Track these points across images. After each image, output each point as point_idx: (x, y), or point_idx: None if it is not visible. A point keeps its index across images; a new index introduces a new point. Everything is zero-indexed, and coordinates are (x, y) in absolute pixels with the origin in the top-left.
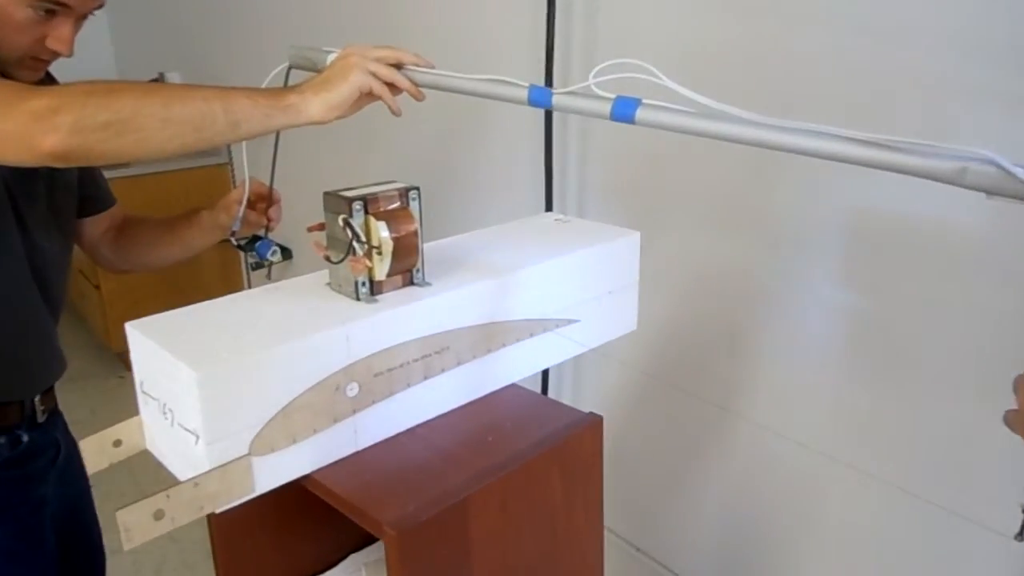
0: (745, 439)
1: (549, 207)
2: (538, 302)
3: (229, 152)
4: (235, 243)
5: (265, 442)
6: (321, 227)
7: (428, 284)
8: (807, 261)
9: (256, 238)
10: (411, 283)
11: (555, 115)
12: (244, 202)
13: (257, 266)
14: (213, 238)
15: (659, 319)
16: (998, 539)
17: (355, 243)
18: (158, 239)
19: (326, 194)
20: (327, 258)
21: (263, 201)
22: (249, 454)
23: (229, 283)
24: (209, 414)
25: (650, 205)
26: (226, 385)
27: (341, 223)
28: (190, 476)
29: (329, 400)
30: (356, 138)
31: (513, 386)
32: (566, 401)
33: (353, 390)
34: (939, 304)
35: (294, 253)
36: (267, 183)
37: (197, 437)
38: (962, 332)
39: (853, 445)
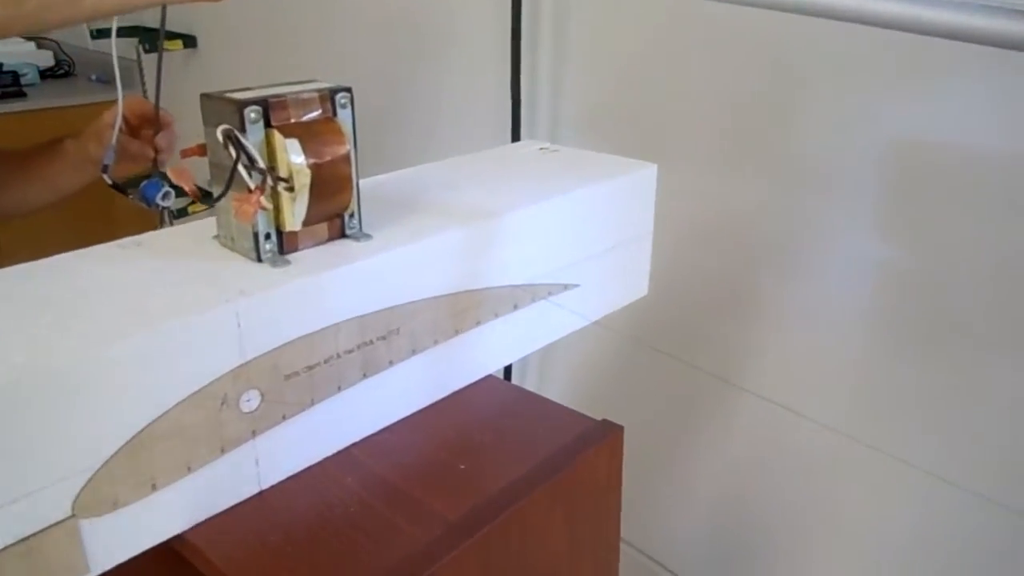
0: (750, 416)
1: (516, 139)
2: (525, 261)
3: (142, 78)
4: (110, 182)
5: (102, 495)
6: (201, 151)
7: (367, 236)
8: (834, 205)
9: (144, 176)
10: (342, 235)
11: (524, 29)
12: (117, 126)
13: (181, 214)
14: (83, 176)
15: (650, 275)
16: None
17: (243, 169)
18: (11, 178)
19: (204, 97)
20: (198, 197)
21: (148, 125)
22: (74, 515)
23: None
24: None
25: (639, 139)
26: (23, 408)
27: (220, 138)
28: None
29: (211, 420)
30: (286, 47)
31: (490, 379)
32: (533, 374)
33: (252, 402)
34: (999, 258)
35: None
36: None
37: None
38: None
39: (881, 425)
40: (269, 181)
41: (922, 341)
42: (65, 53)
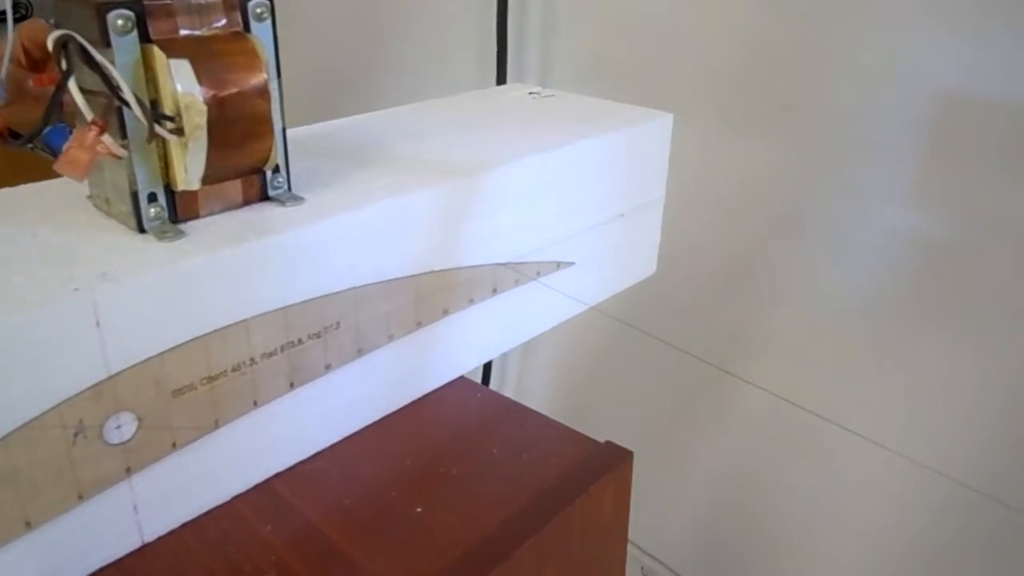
0: (751, 411)
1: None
2: (508, 233)
3: None
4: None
5: None
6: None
7: (297, 199)
8: (863, 170)
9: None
10: (263, 197)
11: None
12: (7, 58)
13: None
14: None
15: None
16: None
17: (77, 92)
18: None
19: (59, 1)
20: (6, 138)
21: (51, 60)
22: None
23: None
24: None
25: (639, 91)
26: None
27: (51, 45)
28: None
29: (61, 456)
30: None
31: (461, 383)
32: (514, 362)
33: (123, 428)
34: None
35: None
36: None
37: None
38: None
39: (902, 428)
40: (140, 117)
41: (957, 329)
42: None
